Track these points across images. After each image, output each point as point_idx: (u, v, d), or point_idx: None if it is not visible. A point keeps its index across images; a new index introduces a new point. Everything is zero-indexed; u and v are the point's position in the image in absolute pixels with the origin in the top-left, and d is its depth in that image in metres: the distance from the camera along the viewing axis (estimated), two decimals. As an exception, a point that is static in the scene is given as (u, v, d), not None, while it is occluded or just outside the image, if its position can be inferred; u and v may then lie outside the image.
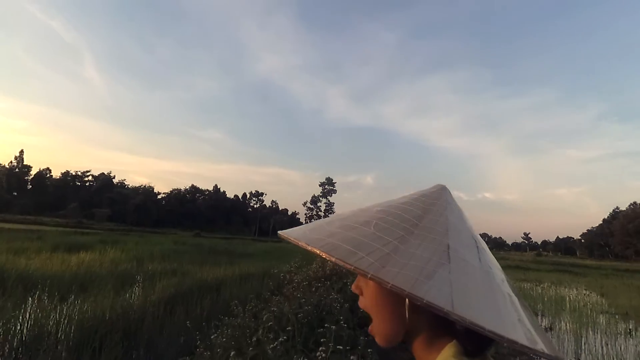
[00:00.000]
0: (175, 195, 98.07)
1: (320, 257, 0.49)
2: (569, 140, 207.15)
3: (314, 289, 5.56)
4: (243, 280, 9.33)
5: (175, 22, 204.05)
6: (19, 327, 4.44)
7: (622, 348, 6.22)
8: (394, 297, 0.53)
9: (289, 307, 3.54)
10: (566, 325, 7.92)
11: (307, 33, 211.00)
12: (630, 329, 7.40)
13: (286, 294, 6.07)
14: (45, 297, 6.06)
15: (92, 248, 14.98)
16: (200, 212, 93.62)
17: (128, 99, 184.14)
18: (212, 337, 3.69)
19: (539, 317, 8.62)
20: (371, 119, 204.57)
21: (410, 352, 0.55)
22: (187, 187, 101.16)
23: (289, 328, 2.92)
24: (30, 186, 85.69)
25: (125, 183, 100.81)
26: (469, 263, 0.49)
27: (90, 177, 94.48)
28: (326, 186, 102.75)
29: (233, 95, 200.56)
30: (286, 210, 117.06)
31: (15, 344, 4.11)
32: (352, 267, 0.45)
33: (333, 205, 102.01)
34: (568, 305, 9.87)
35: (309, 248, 0.50)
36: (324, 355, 2.27)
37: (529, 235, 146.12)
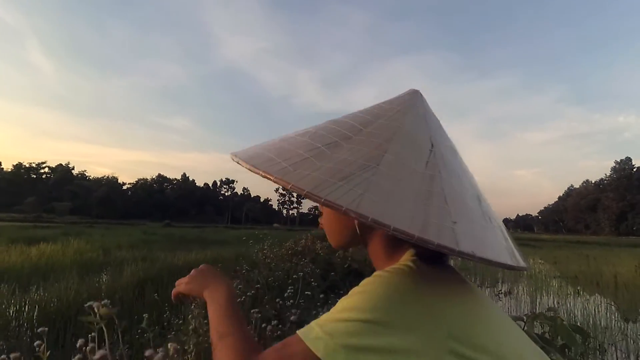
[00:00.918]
0: (142, 186, 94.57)
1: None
2: (528, 123, 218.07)
3: (286, 259, 5.64)
4: (216, 263, 9.27)
5: (130, 2, 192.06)
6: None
7: (572, 305, 6.85)
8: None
9: (260, 273, 3.60)
10: (523, 289, 8.57)
11: (275, 14, 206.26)
12: (578, 290, 8.13)
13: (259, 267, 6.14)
14: (5, 287, 5.77)
15: (55, 240, 14.11)
16: (170, 203, 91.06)
17: (82, 86, 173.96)
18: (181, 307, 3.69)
19: (499, 283, 9.24)
20: (342, 104, 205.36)
21: None
22: (153, 177, 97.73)
23: (258, 286, 2.98)
24: (-21, 181, 79.60)
25: (87, 174, 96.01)
26: (406, 167, 0.45)
27: (46, 169, 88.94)
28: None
29: (200, 81, 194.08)
30: (258, 197, 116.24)
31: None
32: (261, 174, 0.43)
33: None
34: (525, 273, 10.62)
35: (235, 159, 0.49)
36: (291, 301, 2.35)
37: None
